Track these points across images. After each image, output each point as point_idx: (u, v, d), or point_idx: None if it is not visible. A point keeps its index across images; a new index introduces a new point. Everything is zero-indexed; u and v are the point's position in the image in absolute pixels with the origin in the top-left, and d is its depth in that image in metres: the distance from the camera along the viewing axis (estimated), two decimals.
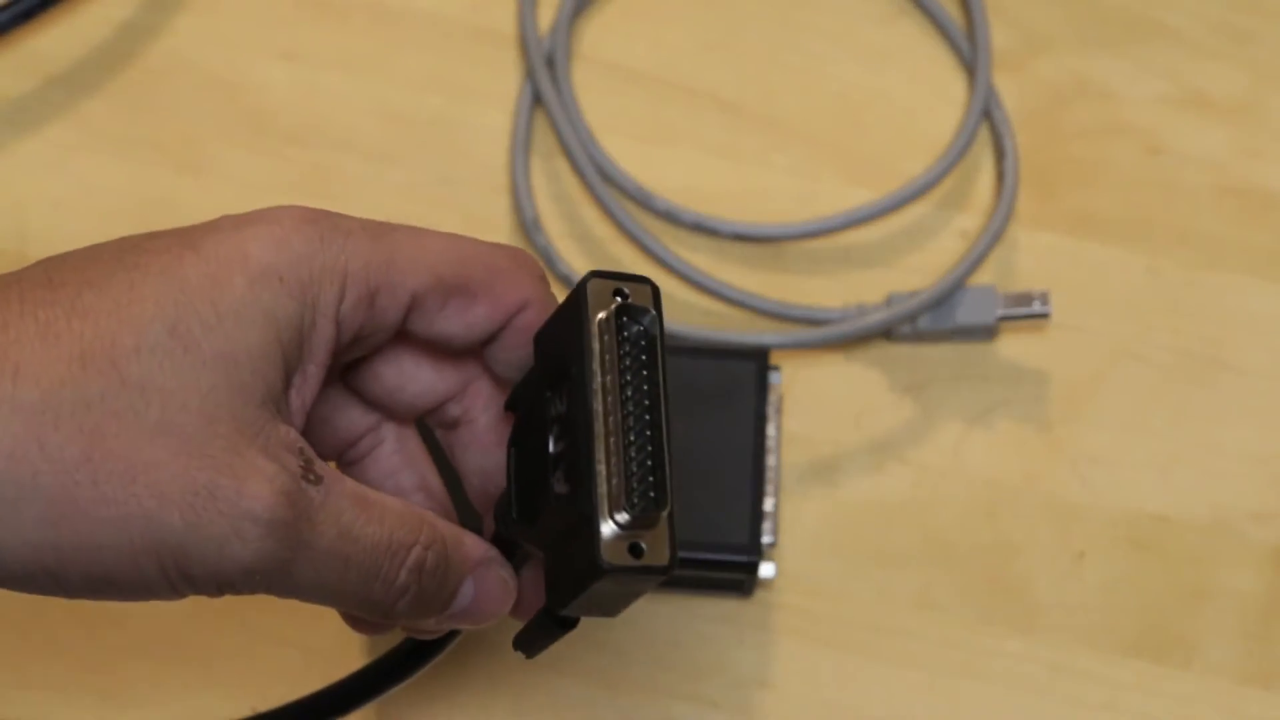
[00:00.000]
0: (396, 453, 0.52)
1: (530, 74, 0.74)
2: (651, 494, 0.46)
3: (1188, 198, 0.73)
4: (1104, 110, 0.75)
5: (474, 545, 0.49)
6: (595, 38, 0.75)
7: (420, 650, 0.61)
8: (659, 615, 0.67)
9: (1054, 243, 0.73)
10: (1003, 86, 0.74)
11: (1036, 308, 0.70)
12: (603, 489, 0.45)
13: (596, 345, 0.47)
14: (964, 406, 0.70)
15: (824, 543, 0.68)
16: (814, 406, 0.70)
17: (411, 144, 0.73)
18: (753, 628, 0.67)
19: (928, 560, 0.68)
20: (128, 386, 0.44)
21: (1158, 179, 0.74)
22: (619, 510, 0.45)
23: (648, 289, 0.48)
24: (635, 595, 0.47)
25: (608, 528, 0.45)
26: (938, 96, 0.75)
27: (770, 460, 0.66)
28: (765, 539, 0.65)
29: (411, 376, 0.51)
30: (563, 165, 0.73)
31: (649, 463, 0.46)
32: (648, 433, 0.46)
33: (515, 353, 0.50)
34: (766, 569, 0.66)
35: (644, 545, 0.45)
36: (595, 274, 0.47)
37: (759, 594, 0.67)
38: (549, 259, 0.71)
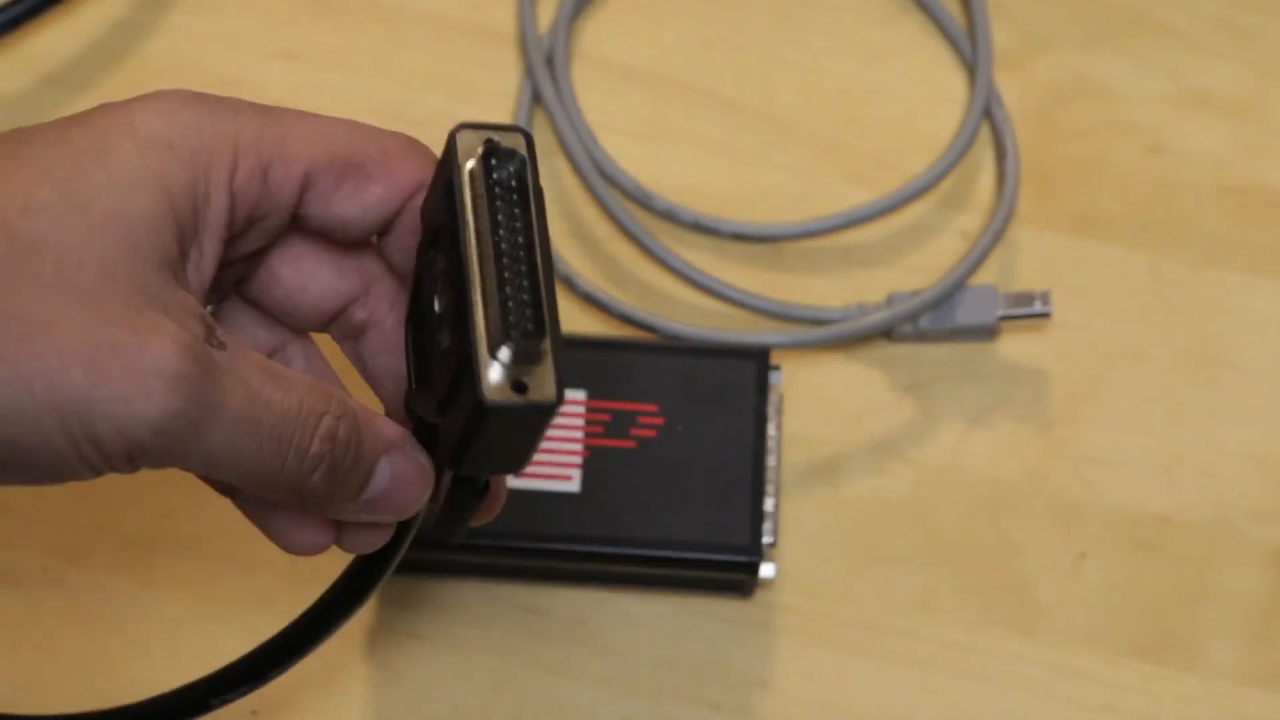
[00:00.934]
0: (306, 372, 0.51)
1: (529, 73, 0.74)
2: (530, 325, 0.45)
3: (1189, 196, 0.73)
4: (1105, 109, 0.74)
5: (387, 425, 0.48)
6: (595, 36, 0.75)
7: (370, 565, 0.54)
8: (659, 616, 0.67)
9: (1055, 242, 0.73)
10: (1003, 85, 0.74)
11: (1037, 307, 0.70)
12: (481, 328, 0.45)
13: (468, 193, 0.46)
14: (965, 406, 0.70)
15: (824, 543, 0.68)
16: (814, 406, 0.70)
17: None
18: (753, 628, 0.67)
19: (928, 560, 0.68)
20: (19, 244, 0.43)
21: (1159, 178, 0.74)
22: (499, 346, 0.45)
23: (519, 135, 0.47)
24: (533, 440, 0.47)
25: (489, 367, 0.45)
26: (938, 95, 0.75)
27: (771, 460, 0.66)
28: (766, 539, 0.65)
29: (312, 274, 0.50)
30: (562, 164, 0.73)
31: (525, 298, 0.45)
32: (523, 269, 0.46)
33: (413, 240, 0.49)
34: (767, 569, 0.65)
35: (528, 381, 0.45)
36: (464, 125, 0.47)
37: (759, 594, 0.67)
38: None
